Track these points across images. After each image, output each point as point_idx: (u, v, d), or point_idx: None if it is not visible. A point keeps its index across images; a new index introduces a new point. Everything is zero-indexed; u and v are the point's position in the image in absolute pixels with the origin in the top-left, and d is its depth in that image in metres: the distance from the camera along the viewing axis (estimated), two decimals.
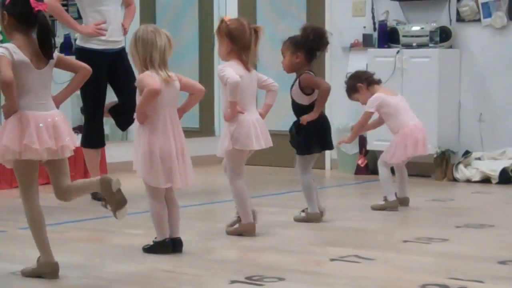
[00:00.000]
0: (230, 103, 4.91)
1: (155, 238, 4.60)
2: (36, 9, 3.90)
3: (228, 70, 4.91)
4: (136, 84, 4.51)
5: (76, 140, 4.10)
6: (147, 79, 4.42)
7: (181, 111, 4.62)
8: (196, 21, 9.80)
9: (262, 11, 9.25)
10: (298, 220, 5.57)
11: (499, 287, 3.88)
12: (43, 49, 3.91)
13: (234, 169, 5.05)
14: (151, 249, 4.58)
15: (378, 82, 6.13)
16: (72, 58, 4.17)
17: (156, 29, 4.51)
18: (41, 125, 3.89)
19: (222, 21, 5.00)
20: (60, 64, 4.04)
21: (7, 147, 3.89)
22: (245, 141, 4.95)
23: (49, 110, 3.96)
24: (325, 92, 5.40)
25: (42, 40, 3.91)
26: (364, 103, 6.08)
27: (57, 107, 4.03)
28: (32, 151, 3.88)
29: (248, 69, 5.01)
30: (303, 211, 5.59)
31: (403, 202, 6.16)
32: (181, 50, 9.60)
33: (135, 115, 4.53)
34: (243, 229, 5.07)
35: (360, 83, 6.05)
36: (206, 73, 9.69)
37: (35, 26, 3.93)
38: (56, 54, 4.03)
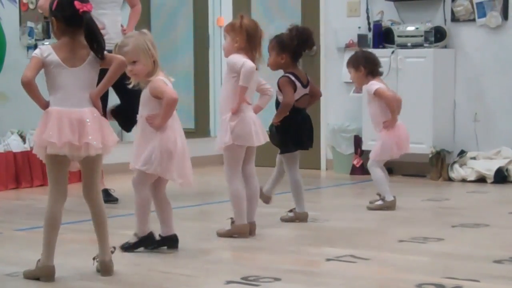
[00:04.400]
0: (241, 88, 4.88)
1: (134, 234, 4.61)
2: (81, 10, 3.93)
3: (242, 58, 4.92)
4: (137, 87, 4.56)
5: (110, 140, 4.01)
6: (164, 86, 4.46)
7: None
8: (191, 21, 9.80)
9: (257, 11, 9.25)
10: (285, 220, 5.59)
11: (494, 286, 3.89)
12: (93, 49, 3.94)
13: (231, 167, 5.04)
14: (136, 246, 4.60)
15: (378, 75, 6.13)
16: (111, 54, 4.11)
17: (144, 32, 4.59)
18: (64, 119, 3.89)
19: (242, 17, 5.02)
20: (105, 63, 4.01)
21: (34, 141, 3.98)
22: (246, 137, 4.96)
23: (80, 107, 3.95)
24: (284, 105, 5.41)
25: (91, 40, 3.93)
26: (356, 83, 6.21)
27: (94, 102, 3.99)
28: (51, 145, 3.89)
29: (255, 67, 5.01)
30: (290, 211, 5.61)
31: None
32: (175, 50, 9.62)
33: (138, 118, 4.56)
34: (236, 230, 5.06)
35: (363, 67, 6.06)
36: (201, 73, 9.69)
37: (82, 28, 3.95)
38: (105, 53, 4.01)
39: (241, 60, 4.91)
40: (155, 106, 4.50)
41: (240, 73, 4.89)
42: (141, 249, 4.63)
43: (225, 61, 5.15)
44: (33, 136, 4.03)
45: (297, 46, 5.47)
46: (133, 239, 4.63)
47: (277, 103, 5.53)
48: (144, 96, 4.56)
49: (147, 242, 4.60)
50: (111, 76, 4.02)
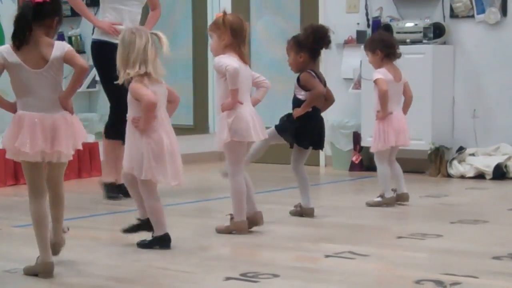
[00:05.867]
0: (231, 91, 4.90)
1: (153, 233, 4.61)
2: (34, 2, 3.89)
3: (226, 59, 4.93)
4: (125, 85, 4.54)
5: (79, 143, 4.01)
6: (141, 89, 4.42)
7: None
8: (190, 18, 9.79)
9: (256, 7, 9.25)
10: (293, 214, 5.63)
11: (493, 282, 3.89)
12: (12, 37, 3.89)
13: (234, 163, 5.04)
14: (150, 244, 4.61)
15: (396, 58, 6.12)
16: (75, 55, 4.02)
17: (138, 30, 4.55)
18: (36, 126, 3.86)
19: (225, 14, 5.02)
20: (67, 60, 3.95)
21: (4, 146, 3.94)
22: (243, 133, 4.96)
23: (51, 111, 3.92)
24: (316, 95, 5.46)
25: (14, 28, 3.89)
26: (372, 64, 6.13)
27: (63, 105, 3.96)
28: (23, 153, 3.87)
29: (245, 62, 5.04)
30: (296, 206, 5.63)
31: (402, 198, 6.13)
32: (174, 47, 9.59)
33: (128, 120, 4.57)
34: (235, 227, 5.06)
35: (380, 50, 6.05)
36: (200, 70, 9.68)
37: (39, 20, 3.91)
38: (65, 49, 3.95)
39: (224, 63, 4.90)
40: (137, 107, 4.49)
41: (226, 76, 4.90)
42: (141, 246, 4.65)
43: None
44: (3, 140, 3.97)
45: (313, 43, 5.52)
46: (149, 238, 4.64)
47: (295, 101, 5.54)
48: (128, 96, 4.56)
49: (161, 243, 4.59)
50: (75, 82, 3.99)
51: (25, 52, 3.90)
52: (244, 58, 5.04)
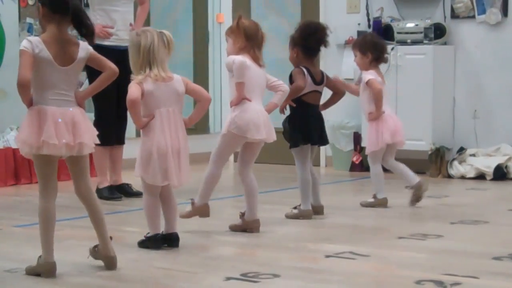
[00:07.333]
0: (237, 84, 4.93)
1: (147, 233, 4.61)
2: None
3: (235, 56, 4.98)
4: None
5: (95, 137, 4.06)
6: (130, 88, 4.47)
7: (190, 120, 4.68)
8: (190, 18, 9.79)
9: (257, 8, 9.25)
10: (289, 217, 5.59)
11: (494, 282, 3.89)
12: (81, 33, 3.93)
13: (219, 153, 5.06)
14: (142, 244, 4.63)
15: (383, 62, 6.14)
16: (100, 57, 4.08)
17: (144, 31, 4.56)
18: (59, 120, 3.89)
19: (240, 17, 5.04)
20: (91, 61, 4.02)
21: (25, 141, 3.91)
22: (243, 128, 4.95)
23: (70, 106, 3.96)
24: (294, 88, 5.46)
25: (77, 23, 3.92)
26: (359, 65, 6.12)
27: (79, 104, 4.01)
28: (50, 146, 3.88)
29: (259, 64, 5.06)
30: (295, 208, 5.61)
31: (418, 188, 6.07)
32: (175, 48, 9.60)
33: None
34: (247, 225, 5.09)
35: (370, 53, 6.05)
36: (200, 71, 9.68)
37: (68, 16, 3.92)
38: (89, 51, 4.00)
39: (232, 57, 4.96)
40: (142, 105, 4.53)
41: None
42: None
43: (224, 58, 5.16)
44: (20, 135, 3.94)
45: (304, 39, 5.54)
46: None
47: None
48: None
49: (151, 243, 4.61)
50: (101, 83, 4.05)
51: (55, 48, 3.91)
52: (258, 60, 5.06)
